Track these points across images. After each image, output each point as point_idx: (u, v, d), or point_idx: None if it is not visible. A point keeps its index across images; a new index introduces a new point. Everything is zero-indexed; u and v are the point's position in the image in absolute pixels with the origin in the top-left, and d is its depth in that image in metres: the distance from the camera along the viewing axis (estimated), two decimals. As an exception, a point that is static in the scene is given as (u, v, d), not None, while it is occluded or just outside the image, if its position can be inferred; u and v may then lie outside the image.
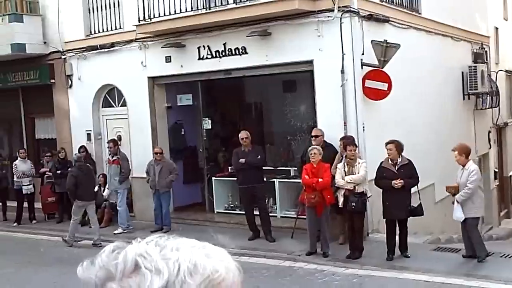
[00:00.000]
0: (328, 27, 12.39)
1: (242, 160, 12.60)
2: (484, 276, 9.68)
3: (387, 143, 10.81)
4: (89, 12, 16.48)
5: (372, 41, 12.37)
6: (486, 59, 19.03)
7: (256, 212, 12.84)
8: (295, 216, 12.74)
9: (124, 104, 16.02)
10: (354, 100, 12.28)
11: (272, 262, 11.38)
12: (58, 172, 16.02)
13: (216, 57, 13.98)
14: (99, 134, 16.64)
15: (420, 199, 10.89)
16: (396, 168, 10.70)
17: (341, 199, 10.95)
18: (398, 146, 10.75)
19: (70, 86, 16.90)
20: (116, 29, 15.93)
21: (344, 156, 11.25)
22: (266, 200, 13.51)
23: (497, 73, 20.44)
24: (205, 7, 13.96)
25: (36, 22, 16.97)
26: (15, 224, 16.54)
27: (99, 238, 13.37)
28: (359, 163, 10.97)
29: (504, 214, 22.40)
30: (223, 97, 16.53)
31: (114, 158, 14.60)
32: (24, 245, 14.41)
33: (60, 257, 12.66)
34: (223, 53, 13.85)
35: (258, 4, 12.83)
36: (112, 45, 15.75)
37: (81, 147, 16.20)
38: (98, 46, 16.00)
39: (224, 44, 13.79)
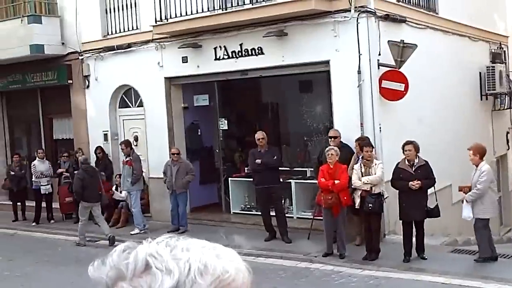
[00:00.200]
0: (344, 27, 12.36)
1: (258, 161, 12.60)
2: (501, 279, 9.60)
3: (405, 144, 10.74)
4: (106, 13, 16.56)
5: (388, 41, 12.32)
6: (505, 59, 18.85)
7: (273, 213, 12.84)
8: (312, 217, 12.73)
9: (140, 105, 16.08)
10: (371, 101, 12.23)
11: (288, 263, 11.37)
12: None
13: (232, 57, 14.00)
14: (116, 135, 16.71)
15: (436, 200, 10.83)
16: (413, 169, 10.64)
17: (357, 200, 10.92)
18: (416, 147, 10.71)
19: (87, 87, 16.99)
20: (133, 29, 15.99)
21: (360, 157, 11.22)
22: (283, 201, 13.48)
23: (515, 73, 20.26)
24: (221, 7, 13.97)
25: (54, 23, 17.09)
26: (33, 223, 16.69)
27: (111, 233, 13.69)
28: (375, 164, 10.94)
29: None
30: (240, 97, 16.55)
31: (127, 159, 14.68)
32: (42, 245, 14.54)
33: (77, 257, 12.74)
34: (240, 54, 13.86)
35: (274, 4, 12.83)
36: (129, 45, 15.82)
37: (98, 147, 16.30)
38: (115, 46, 16.08)
39: (241, 45, 13.80)
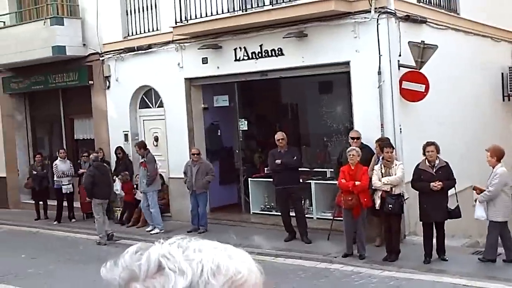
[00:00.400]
0: (364, 28, 12.35)
1: (278, 161, 12.63)
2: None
3: (426, 145, 10.68)
4: (127, 14, 16.68)
5: (409, 42, 12.28)
6: (527, 60, 18.68)
7: (292, 214, 12.85)
8: (331, 217, 12.73)
9: (161, 105, 16.17)
10: (391, 102, 12.21)
11: (308, 263, 11.39)
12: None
13: (252, 58, 14.03)
14: (136, 135, 16.81)
15: (457, 201, 10.78)
16: (434, 170, 10.60)
17: (378, 201, 10.91)
18: (437, 148, 10.67)
19: (108, 87, 17.12)
20: (153, 30, 16.09)
21: (380, 158, 11.20)
22: (302, 202, 13.49)
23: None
24: (241, 8, 14.01)
25: (76, 25, 17.24)
26: (55, 222, 16.87)
27: (112, 231, 14.38)
28: (396, 164, 10.92)
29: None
30: (260, 98, 16.58)
31: (141, 161, 14.80)
32: (64, 243, 14.70)
33: (98, 256, 12.85)
34: (260, 55, 13.89)
35: (294, 5, 12.85)
36: (149, 46, 15.91)
37: (118, 147, 16.42)
38: (136, 47, 16.19)
39: (261, 46, 13.83)
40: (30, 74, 18.81)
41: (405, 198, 10.89)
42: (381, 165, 10.97)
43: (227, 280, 1.02)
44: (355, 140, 11.95)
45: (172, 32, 14.88)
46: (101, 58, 17.02)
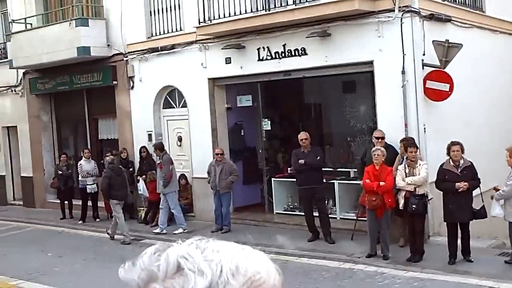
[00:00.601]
0: (388, 27, 12.28)
1: (302, 161, 12.61)
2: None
3: (451, 145, 10.57)
4: (151, 15, 16.77)
5: (433, 41, 12.19)
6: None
7: (316, 214, 12.82)
8: (355, 218, 12.67)
9: (184, 105, 16.24)
10: (415, 101, 12.13)
11: (331, 263, 11.36)
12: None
13: (275, 58, 14.02)
14: (160, 135, 16.90)
15: (483, 202, 10.67)
16: (459, 170, 10.50)
17: (401, 201, 10.84)
18: (462, 148, 10.57)
19: (132, 88, 17.23)
20: (176, 31, 16.16)
21: (404, 157, 11.13)
22: (326, 202, 13.47)
23: None
24: (264, 8, 14.01)
25: (100, 25, 17.39)
26: (80, 222, 17.04)
27: (113, 232, 14.67)
28: (420, 164, 10.84)
29: None
30: (283, 98, 16.57)
31: (158, 162, 14.89)
32: (89, 242, 14.84)
33: (123, 255, 12.94)
34: (283, 54, 13.88)
35: (318, 5, 12.82)
36: (173, 46, 15.98)
37: (142, 147, 16.51)
38: (159, 48, 16.27)
39: (284, 45, 13.82)
40: (55, 75, 19.02)
41: (429, 198, 10.81)
42: (405, 165, 10.90)
43: (246, 280, 1.02)
44: (380, 140, 11.87)
45: (195, 32, 14.93)
46: (125, 59, 17.14)
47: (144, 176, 15.85)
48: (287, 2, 13.69)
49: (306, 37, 13.21)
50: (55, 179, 18.27)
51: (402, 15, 12.08)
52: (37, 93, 20.16)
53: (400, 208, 10.91)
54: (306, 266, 11.30)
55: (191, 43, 15.52)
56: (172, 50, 16.01)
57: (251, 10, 13.95)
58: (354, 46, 12.70)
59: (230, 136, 15.92)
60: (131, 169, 16.67)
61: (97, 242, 14.78)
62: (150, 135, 16.89)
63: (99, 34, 17.23)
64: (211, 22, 14.48)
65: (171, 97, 16.74)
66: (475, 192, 10.75)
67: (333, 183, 14.13)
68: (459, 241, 10.70)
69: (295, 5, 13.25)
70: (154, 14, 16.72)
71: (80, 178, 17.28)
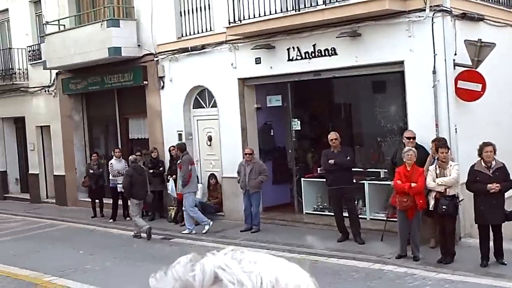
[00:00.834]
0: (419, 27, 12.19)
1: (331, 161, 12.58)
2: None
3: (484, 145, 10.41)
4: (181, 15, 16.87)
5: (465, 40, 12.06)
6: None
7: (345, 214, 12.79)
8: (385, 218, 12.61)
9: (214, 105, 16.30)
10: (446, 101, 12.01)
11: (361, 264, 11.31)
12: (150, 171, 16.50)
13: (305, 58, 14.01)
14: (190, 135, 17.00)
15: (516, 203, 10.54)
16: (491, 171, 10.37)
17: (431, 202, 10.75)
18: (495, 149, 10.43)
19: (162, 88, 17.35)
20: (207, 31, 16.23)
21: (435, 158, 11.04)
22: (356, 202, 13.42)
23: None
24: (294, 8, 13.99)
25: (131, 26, 17.56)
26: (111, 220, 17.22)
27: (140, 232, 14.83)
28: (451, 165, 10.74)
29: None
30: (312, 98, 16.54)
31: (178, 162, 14.99)
32: (119, 241, 15.00)
33: (153, 254, 13.08)
34: (313, 54, 13.86)
35: (348, 5, 12.77)
36: (203, 47, 16.06)
37: (171, 147, 16.62)
38: (189, 48, 16.36)
39: (314, 45, 13.80)
40: (87, 75, 19.26)
41: (460, 199, 10.70)
42: (435, 165, 10.81)
43: None
44: (410, 140, 11.79)
45: (225, 32, 14.99)
46: (155, 59, 17.27)
47: (174, 176, 15.95)
48: (317, 2, 13.66)
49: (336, 37, 13.17)
50: (87, 178, 18.50)
51: (433, 15, 11.98)
52: (69, 93, 20.43)
53: (430, 209, 10.83)
54: (336, 266, 11.27)
55: (221, 43, 15.58)
56: (202, 50, 16.09)
57: (281, 10, 13.95)
58: (385, 46, 12.63)
59: (259, 136, 15.95)
60: (161, 169, 16.79)
61: (127, 240, 14.92)
62: (180, 135, 16.99)
63: (130, 34, 17.40)
64: (241, 22, 14.52)
65: (201, 97, 16.82)
66: (507, 194, 10.62)
67: (363, 183, 14.06)
68: (491, 243, 10.56)
69: (325, 5, 13.22)
70: (184, 15, 16.81)
71: (111, 177, 17.48)
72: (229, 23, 14.68)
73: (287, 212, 15.64)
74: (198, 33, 16.46)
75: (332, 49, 13.50)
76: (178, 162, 14.99)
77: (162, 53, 17.11)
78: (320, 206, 15.23)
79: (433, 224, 11.48)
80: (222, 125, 15.97)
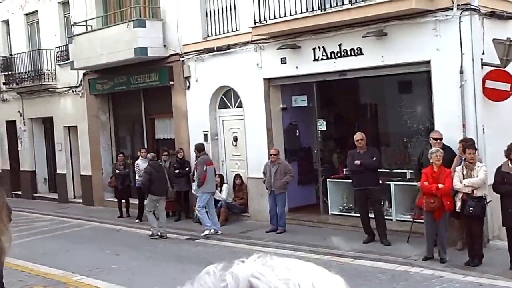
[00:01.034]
0: (446, 26, 12.05)
1: (357, 162, 12.50)
2: None
3: (511, 146, 10.30)
4: (207, 16, 16.91)
5: (493, 39, 11.89)
6: None
7: (371, 215, 12.70)
8: (411, 219, 12.49)
9: (240, 105, 16.31)
10: (474, 101, 11.86)
11: (387, 266, 11.22)
12: (176, 171, 16.56)
13: (331, 58, 13.94)
14: (215, 135, 17.03)
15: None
16: (519, 173, 10.21)
17: (458, 203, 10.62)
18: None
19: (188, 88, 17.41)
20: (232, 31, 16.25)
21: (463, 159, 10.91)
22: (382, 203, 13.32)
23: None
24: (320, 8, 13.92)
25: (157, 26, 17.64)
26: (137, 220, 17.31)
27: (166, 231, 15.03)
28: (478, 166, 10.59)
29: None
30: (338, 98, 16.46)
31: (195, 163, 15.12)
32: (145, 241, 15.05)
33: (178, 254, 13.13)
34: (339, 54, 13.79)
35: (374, 4, 12.67)
36: (229, 47, 16.07)
37: (197, 146, 16.66)
38: (215, 48, 16.39)
39: (340, 45, 13.73)
40: (113, 75, 19.40)
41: (487, 201, 10.55)
42: (462, 166, 10.67)
43: None
44: (437, 141, 11.66)
45: (251, 32, 14.99)
46: (181, 59, 17.33)
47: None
48: (343, 2, 13.58)
49: (362, 37, 13.08)
50: (113, 178, 18.63)
51: (460, 13, 11.83)
52: (96, 93, 20.61)
53: (457, 210, 10.70)
54: (361, 268, 11.20)
55: (246, 43, 15.58)
56: (228, 51, 16.10)
57: (307, 10, 13.90)
58: (411, 45, 12.51)
59: (285, 136, 15.92)
60: (187, 169, 16.83)
61: (153, 240, 14.97)
62: (206, 135, 17.03)
63: (156, 34, 17.49)
64: (266, 22, 14.50)
65: (226, 97, 16.84)
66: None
67: (389, 184, 13.94)
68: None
69: (351, 5, 13.14)
70: (210, 15, 16.85)
71: (137, 177, 17.54)
72: (255, 23, 14.67)
73: (313, 213, 15.58)
74: (224, 33, 16.48)
75: (358, 48, 13.42)
76: (195, 163, 15.06)
77: (188, 53, 17.16)
78: (346, 207, 15.14)
79: (460, 226, 11.34)
80: (248, 126, 15.97)
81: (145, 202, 15.96)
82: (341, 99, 16.50)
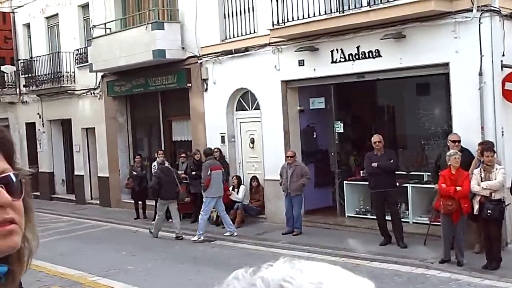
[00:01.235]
0: (465, 27, 11.96)
1: (375, 164, 12.45)
2: None
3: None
4: (225, 18, 16.95)
5: (514, 41, 11.79)
6: None
7: (388, 217, 12.63)
8: (428, 222, 12.41)
9: (257, 108, 16.31)
10: (493, 104, 11.76)
11: (404, 268, 11.14)
12: (193, 173, 16.58)
13: (349, 60, 13.90)
14: (232, 137, 17.04)
15: None
16: (539, 176, 10.11)
17: (476, 206, 10.53)
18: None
19: (206, 90, 17.44)
20: (250, 33, 16.26)
21: (481, 161, 10.82)
22: (399, 205, 13.25)
23: None
24: (338, 10, 13.88)
25: (175, 29, 17.71)
26: (153, 222, 17.25)
27: (180, 232, 15.17)
28: (496, 169, 10.50)
29: None
30: (356, 100, 16.42)
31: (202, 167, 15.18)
32: (161, 242, 15.08)
33: (194, 256, 13.14)
34: (357, 56, 13.75)
35: (392, 6, 12.62)
36: (246, 49, 16.09)
37: (214, 149, 16.64)
38: (233, 50, 16.41)
39: (358, 47, 13.69)
40: (131, 77, 19.49)
41: (506, 204, 10.45)
42: (480, 169, 10.58)
43: None
44: (456, 143, 11.58)
45: (269, 34, 15.00)
46: (199, 61, 17.37)
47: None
48: (361, 4, 13.54)
49: (380, 39, 13.03)
50: (130, 180, 18.70)
51: (480, 15, 11.74)
52: (114, 95, 20.72)
53: (474, 213, 10.61)
54: (378, 270, 11.13)
55: (264, 45, 15.58)
56: (245, 53, 16.12)
57: (325, 12, 13.88)
58: (430, 47, 12.44)
59: (302, 139, 15.89)
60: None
61: (169, 242, 15.01)
62: (223, 137, 17.05)
63: (174, 37, 17.55)
64: (284, 24, 14.50)
65: (244, 100, 16.85)
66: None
67: (406, 186, 13.87)
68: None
69: (370, 7, 13.09)
70: (228, 17, 16.88)
71: (154, 179, 17.58)
72: (273, 25, 14.67)
73: (329, 215, 15.53)
74: (241, 35, 16.50)
75: (376, 51, 13.37)
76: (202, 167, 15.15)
77: (206, 56, 17.20)
78: (363, 209, 15.07)
79: (478, 228, 11.24)
80: (265, 128, 15.96)
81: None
82: (358, 101, 16.45)
